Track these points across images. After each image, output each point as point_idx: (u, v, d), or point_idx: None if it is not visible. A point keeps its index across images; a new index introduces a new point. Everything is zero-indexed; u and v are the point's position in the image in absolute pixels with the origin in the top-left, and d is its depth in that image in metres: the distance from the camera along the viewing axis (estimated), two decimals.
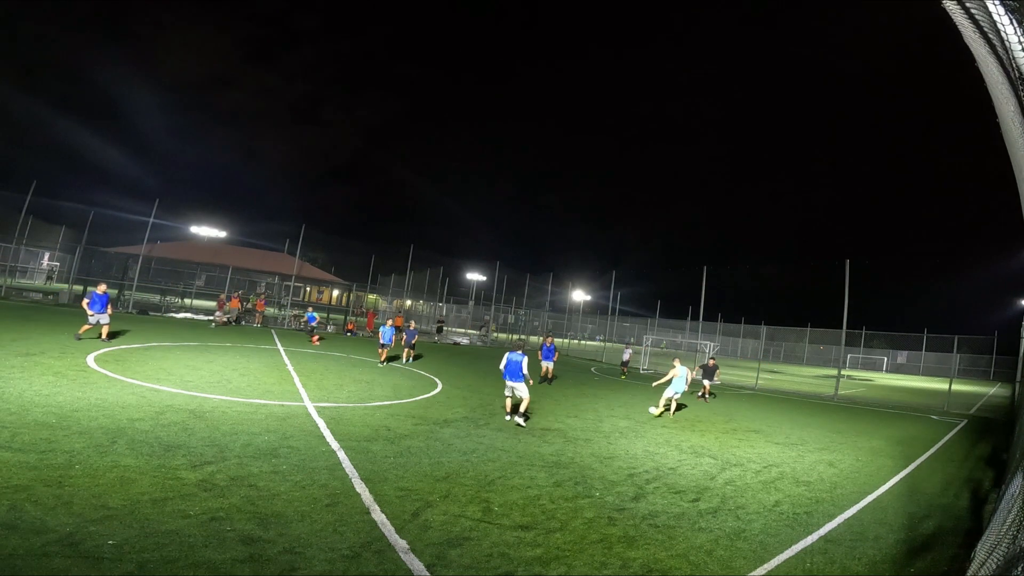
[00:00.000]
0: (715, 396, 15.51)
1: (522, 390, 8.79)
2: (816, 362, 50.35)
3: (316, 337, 19.12)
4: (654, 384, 12.47)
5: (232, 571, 3.20)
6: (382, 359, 14.70)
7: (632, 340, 45.90)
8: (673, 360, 11.87)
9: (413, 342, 16.52)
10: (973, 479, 7.93)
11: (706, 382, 15.04)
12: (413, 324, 17.23)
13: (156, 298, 30.11)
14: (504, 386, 9.10)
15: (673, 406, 11.28)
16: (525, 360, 8.94)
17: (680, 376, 11.16)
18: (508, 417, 8.76)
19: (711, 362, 15.34)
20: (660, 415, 11.04)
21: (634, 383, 18.09)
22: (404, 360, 15.80)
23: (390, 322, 15.29)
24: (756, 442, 9.25)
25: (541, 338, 26.08)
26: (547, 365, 15.09)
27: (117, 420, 6.12)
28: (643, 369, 23.98)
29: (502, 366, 9.03)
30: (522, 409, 8.65)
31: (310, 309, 20.55)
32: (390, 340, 14.76)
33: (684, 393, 11.58)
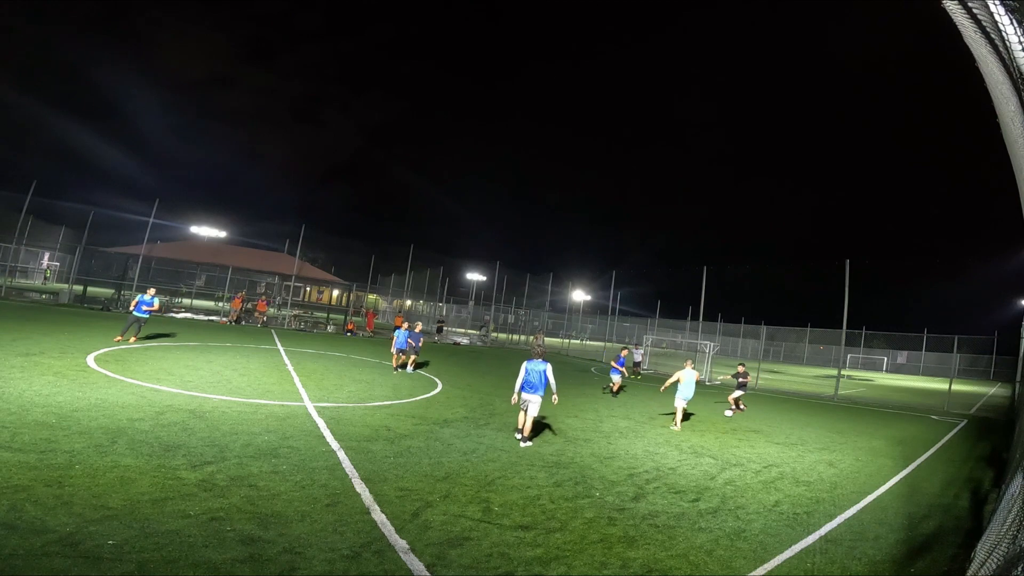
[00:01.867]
0: (743, 410, 13.10)
1: (536, 406, 7.33)
2: (816, 362, 50.34)
3: (132, 338, 13.01)
4: (662, 388, 11.28)
5: (232, 571, 3.20)
6: (396, 365, 13.86)
7: (632, 340, 45.91)
8: (684, 362, 10.78)
9: (417, 346, 14.33)
10: (973, 479, 7.92)
11: (737, 393, 13.13)
12: (418, 327, 14.96)
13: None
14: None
15: (679, 415, 10.10)
16: (549, 368, 7.40)
17: (688, 381, 10.16)
18: (519, 436, 7.43)
19: (741, 368, 13.65)
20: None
21: (635, 383, 18.08)
22: (396, 367, 13.94)
23: (406, 325, 14.27)
24: (756, 442, 9.25)
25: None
26: (617, 380, 13.85)
27: (117, 420, 6.11)
28: (643, 369, 23.98)
29: (520, 380, 7.40)
30: (528, 427, 7.37)
31: (151, 292, 13.58)
32: (404, 344, 13.77)
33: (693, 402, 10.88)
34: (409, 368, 14.03)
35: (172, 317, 23.16)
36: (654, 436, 8.92)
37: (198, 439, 5.77)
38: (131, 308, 12.86)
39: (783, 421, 12.20)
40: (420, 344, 14.34)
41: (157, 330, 15.89)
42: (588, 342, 47.14)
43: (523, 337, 40.52)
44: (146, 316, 13.13)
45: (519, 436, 7.41)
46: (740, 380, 13.41)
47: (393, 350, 13.80)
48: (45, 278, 35.40)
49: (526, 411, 7.34)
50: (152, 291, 13.66)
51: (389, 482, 5.14)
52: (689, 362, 10.73)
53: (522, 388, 7.34)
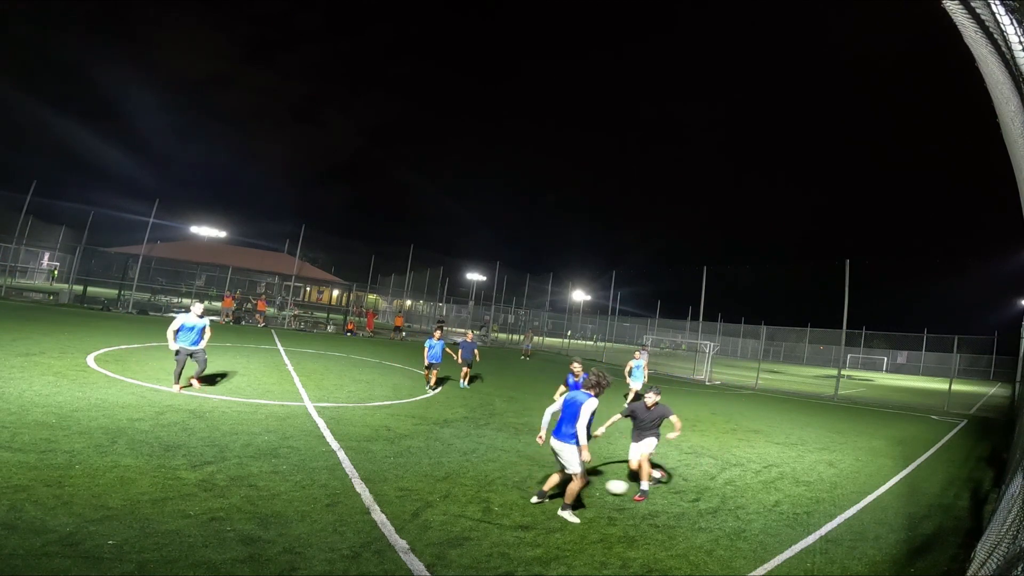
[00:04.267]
0: (665, 482, 6.19)
1: (571, 459, 4.79)
2: (816, 362, 50.32)
3: (196, 381, 8.52)
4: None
5: (232, 571, 3.20)
6: (431, 382, 11.41)
7: (634, 340, 45.89)
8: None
9: (469, 358, 12.35)
10: (973, 479, 7.92)
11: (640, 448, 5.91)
12: (469, 335, 12.91)
13: (157, 298, 30.13)
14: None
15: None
16: (587, 406, 4.78)
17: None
18: (536, 499, 4.99)
19: (650, 399, 6.02)
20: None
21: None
22: (428, 384, 11.47)
23: (437, 334, 11.55)
24: (756, 442, 9.25)
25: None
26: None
27: (117, 420, 6.11)
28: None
29: (551, 414, 5.13)
30: (569, 495, 4.78)
31: (199, 309, 8.70)
32: (439, 358, 11.42)
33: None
34: (463, 382, 12.34)
35: (172, 317, 23.16)
36: None
37: (198, 439, 5.77)
38: (171, 338, 8.17)
39: (783, 421, 12.20)
40: (476, 355, 12.44)
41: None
42: (600, 343, 47.06)
43: (521, 337, 40.53)
44: (200, 347, 8.46)
45: (536, 500, 5.00)
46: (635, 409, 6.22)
47: (426, 363, 11.34)
48: (52, 277, 35.42)
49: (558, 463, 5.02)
50: (199, 308, 8.62)
51: (389, 482, 5.14)
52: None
53: (553, 432, 5.01)
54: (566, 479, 4.90)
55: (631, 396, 12.09)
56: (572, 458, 4.79)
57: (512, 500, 5.02)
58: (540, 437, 5.14)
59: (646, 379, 12.59)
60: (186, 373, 8.35)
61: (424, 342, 11.59)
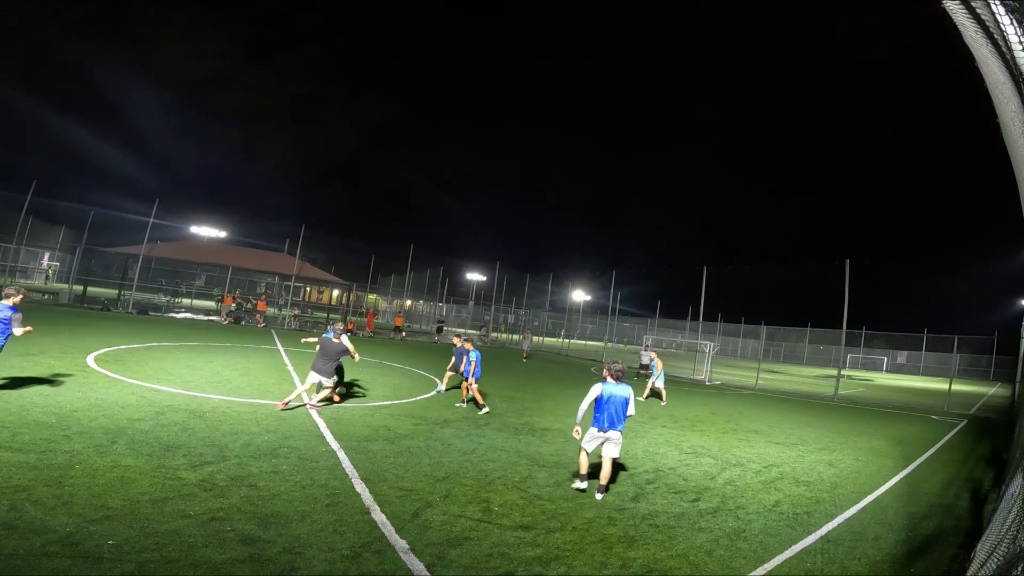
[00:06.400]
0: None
1: (618, 446, 5.56)
2: (816, 362, 50.30)
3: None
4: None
5: (232, 571, 3.20)
6: (444, 383, 10.96)
7: (633, 340, 45.90)
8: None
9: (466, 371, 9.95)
10: (973, 479, 7.92)
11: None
12: (457, 341, 11.33)
13: (156, 298, 30.12)
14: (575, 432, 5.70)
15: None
16: (632, 397, 5.69)
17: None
18: (581, 484, 5.47)
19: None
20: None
21: (635, 384, 18.08)
22: (464, 399, 10.13)
23: (468, 344, 10.25)
24: (756, 442, 9.24)
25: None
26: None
27: (117, 420, 6.12)
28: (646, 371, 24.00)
29: (588, 404, 5.50)
30: (605, 477, 5.43)
31: (343, 327, 9.29)
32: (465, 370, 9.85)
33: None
34: (478, 403, 9.71)
35: (172, 317, 23.16)
36: (654, 436, 8.92)
37: (198, 439, 5.78)
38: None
39: (783, 421, 12.20)
40: (473, 369, 9.84)
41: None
42: (589, 342, 47.07)
43: (520, 337, 40.54)
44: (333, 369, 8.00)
45: (582, 485, 5.45)
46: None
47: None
48: (47, 277, 35.42)
49: (590, 452, 5.55)
50: (342, 327, 8.19)
51: (389, 482, 5.14)
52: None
53: (600, 424, 5.46)
54: (598, 462, 5.59)
55: (647, 392, 13.71)
56: (619, 445, 5.59)
57: (512, 500, 5.02)
58: (576, 431, 5.68)
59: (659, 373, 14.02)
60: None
61: (471, 354, 9.94)
